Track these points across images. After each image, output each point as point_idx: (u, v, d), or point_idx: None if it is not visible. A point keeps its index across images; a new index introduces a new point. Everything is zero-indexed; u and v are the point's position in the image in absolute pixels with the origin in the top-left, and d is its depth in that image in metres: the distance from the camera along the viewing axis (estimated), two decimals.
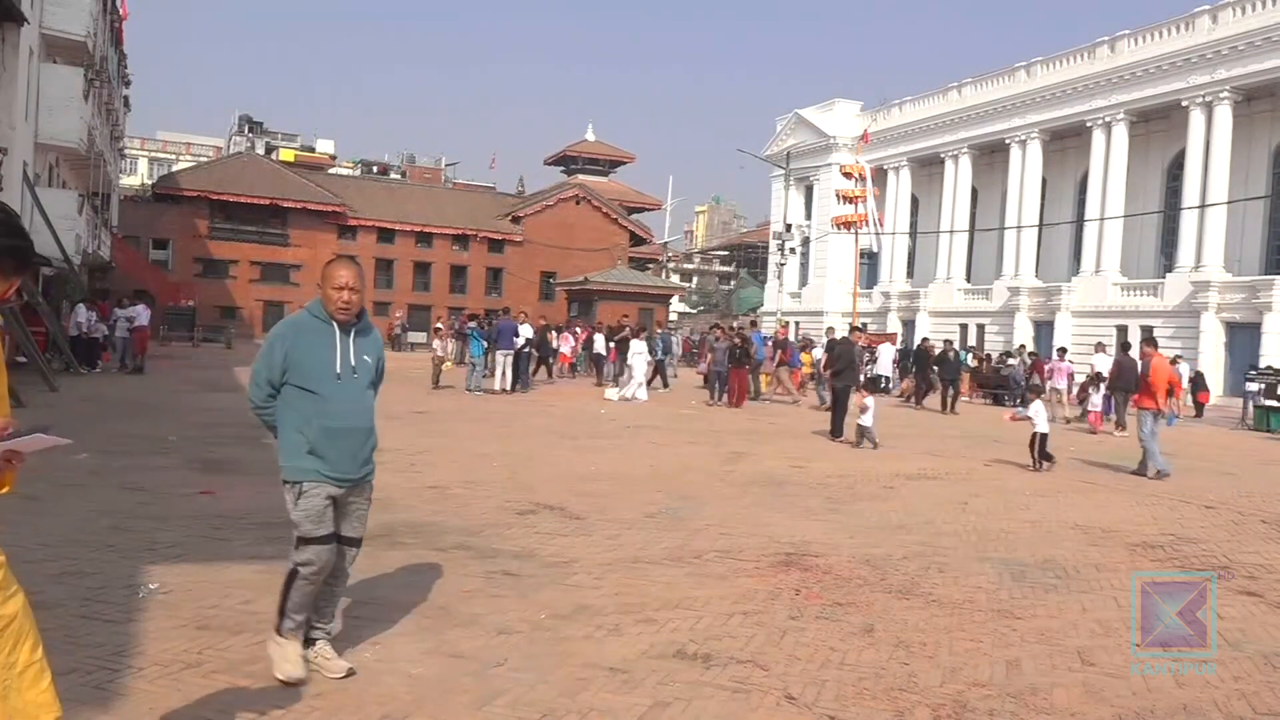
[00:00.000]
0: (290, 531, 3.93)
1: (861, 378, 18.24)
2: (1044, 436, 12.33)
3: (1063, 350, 24.07)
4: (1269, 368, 25.98)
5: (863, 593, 5.69)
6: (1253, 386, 23.64)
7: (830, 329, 28.23)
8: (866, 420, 13.62)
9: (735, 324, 33.65)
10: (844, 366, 15.53)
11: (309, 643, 3.96)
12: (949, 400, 21.97)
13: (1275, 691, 4.36)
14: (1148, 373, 12.75)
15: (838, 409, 15.10)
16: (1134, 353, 21.29)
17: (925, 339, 27.77)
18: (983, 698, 4.09)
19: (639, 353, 20.61)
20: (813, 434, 15.40)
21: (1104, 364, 20.71)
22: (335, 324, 3.87)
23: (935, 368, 23.15)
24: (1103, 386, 20.12)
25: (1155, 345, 13.28)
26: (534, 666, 4.16)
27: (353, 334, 3.92)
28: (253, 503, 7.38)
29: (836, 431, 14.75)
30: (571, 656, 4.30)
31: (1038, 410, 12.48)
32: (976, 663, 4.54)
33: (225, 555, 5.79)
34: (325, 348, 3.84)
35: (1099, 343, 26.49)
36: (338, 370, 3.83)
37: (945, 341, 26.71)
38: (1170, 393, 13.20)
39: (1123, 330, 37.09)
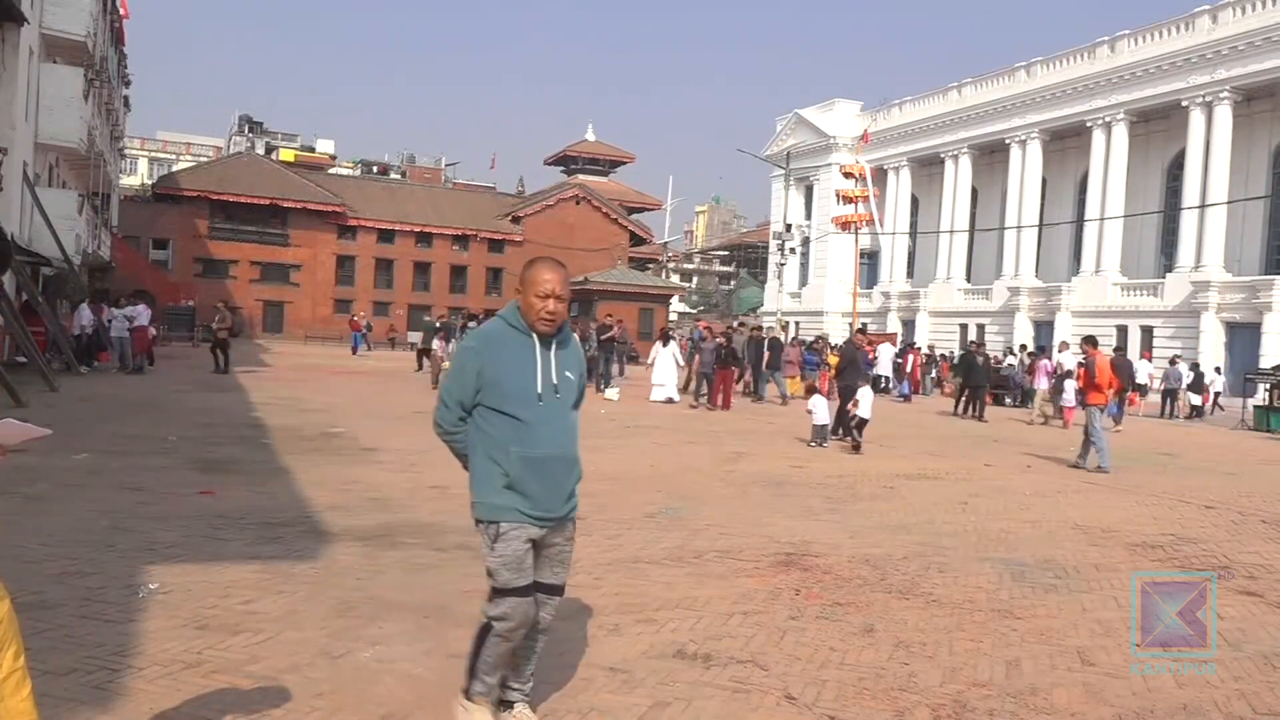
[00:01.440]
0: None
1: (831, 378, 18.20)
2: (863, 421, 13.49)
3: (1042, 349, 23.72)
4: (1278, 368, 26.00)
5: (863, 593, 5.69)
6: (1260, 390, 23.51)
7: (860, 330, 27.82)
8: (820, 419, 13.66)
9: (735, 323, 33.59)
10: (845, 366, 15.56)
11: (504, 705, 3.50)
12: (976, 407, 21.09)
13: (1275, 691, 4.36)
14: (1093, 370, 12.88)
15: (841, 409, 15.08)
16: (1060, 352, 21.55)
17: (975, 343, 25.31)
18: (983, 698, 4.09)
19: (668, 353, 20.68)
20: (796, 437, 15.39)
21: (1070, 362, 21.38)
22: (536, 336, 3.33)
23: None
24: (1071, 384, 20.30)
25: (1095, 344, 13.62)
26: (534, 666, 4.15)
27: (554, 347, 3.36)
28: (252, 503, 7.38)
29: (837, 431, 14.74)
30: (571, 656, 4.30)
31: (864, 395, 13.59)
32: (976, 663, 4.53)
33: (225, 555, 5.78)
34: (525, 363, 3.29)
35: (1063, 341, 26.50)
36: (539, 389, 3.28)
37: (972, 344, 25.15)
38: (1111, 387, 13.65)
39: (1123, 330, 37.11)
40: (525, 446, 3.24)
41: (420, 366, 27.57)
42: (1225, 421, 24.71)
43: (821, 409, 13.74)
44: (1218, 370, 29.92)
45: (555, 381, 3.33)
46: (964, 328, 44.83)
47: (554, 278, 3.34)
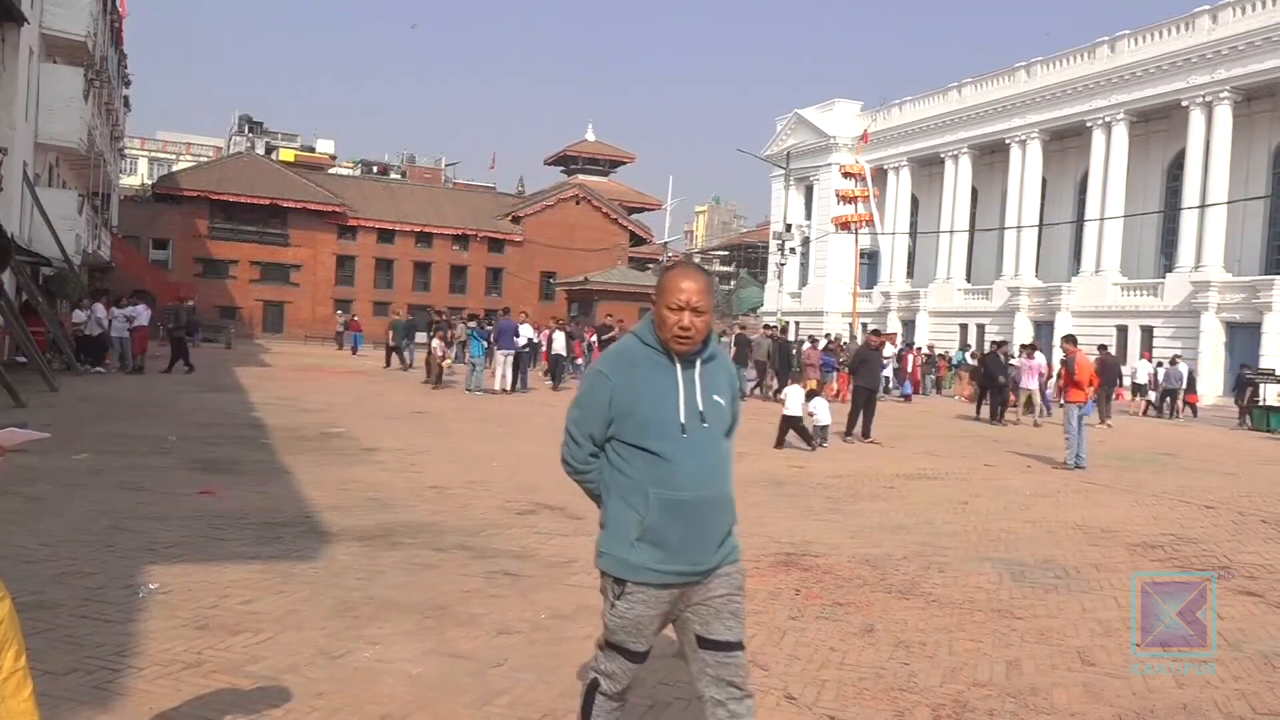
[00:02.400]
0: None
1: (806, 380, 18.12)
2: (792, 419, 13.20)
3: (1032, 348, 22.81)
4: (1271, 370, 26.09)
5: (863, 593, 5.69)
6: (1273, 390, 23.46)
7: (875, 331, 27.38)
8: (822, 419, 13.63)
9: (738, 326, 33.58)
10: (857, 366, 15.59)
11: None
12: (1000, 409, 20.29)
13: (1275, 691, 4.36)
14: (1073, 368, 12.97)
15: (853, 408, 15.08)
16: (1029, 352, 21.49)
17: (1001, 342, 23.83)
18: (983, 698, 4.09)
19: None
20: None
21: (1041, 363, 21.32)
22: (674, 355, 2.82)
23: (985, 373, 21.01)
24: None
25: (1075, 342, 13.72)
26: (534, 666, 4.16)
27: (698, 366, 2.84)
28: (252, 503, 7.38)
29: (849, 429, 14.74)
30: (571, 656, 4.30)
31: (792, 393, 13.46)
32: (976, 663, 4.54)
33: (225, 555, 5.78)
34: (664, 389, 2.79)
35: (1033, 343, 26.38)
36: (682, 418, 2.77)
37: (994, 343, 23.70)
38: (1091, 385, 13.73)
39: (1123, 330, 37.11)
40: (666, 488, 2.72)
41: (388, 364, 27.62)
42: (1225, 421, 24.71)
43: (823, 410, 13.75)
44: (1193, 375, 29.67)
45: (702, 408, 2.80)
46: (964, 328, 44.82)
47: (691, 287, 2.78)
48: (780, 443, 13.13)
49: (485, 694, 3.83)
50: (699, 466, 2.77)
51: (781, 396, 14.70)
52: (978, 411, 21.08)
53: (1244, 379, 25.41)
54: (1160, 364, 27.82)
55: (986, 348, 32.38)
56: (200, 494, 7.61)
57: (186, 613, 4.63)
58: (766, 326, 23.82)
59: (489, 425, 14.17)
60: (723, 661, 2.79)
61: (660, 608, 2.78)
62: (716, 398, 2.86)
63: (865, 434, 14.63)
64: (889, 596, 5.65)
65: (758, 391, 22.76)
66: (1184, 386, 26.48)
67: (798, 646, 4.63)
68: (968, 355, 32.26)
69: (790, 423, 13.17)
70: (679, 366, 2.81)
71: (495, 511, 7.59)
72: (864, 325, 39.14)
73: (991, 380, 20.63)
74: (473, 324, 22.90)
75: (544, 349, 25.82)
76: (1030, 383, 20.75)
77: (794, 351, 23.94)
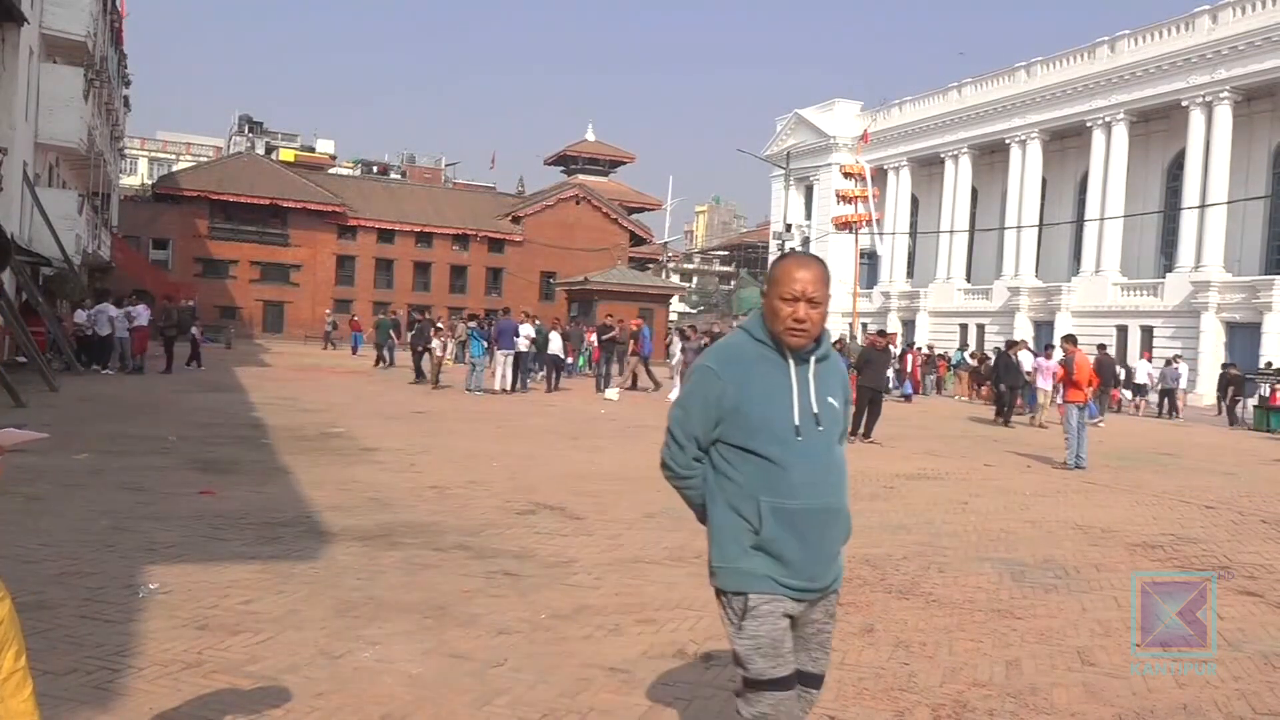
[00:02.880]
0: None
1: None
2: None
3: (1050, 347, 22.06)
4: (1269, 365, 26.10)
5: (863, 593, 5.69)
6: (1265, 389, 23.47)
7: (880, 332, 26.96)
8: None
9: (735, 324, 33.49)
10: (862, 367, 15.58)
11: None
12: (1007, 411, 19.88)
13: (1275, 691, 4.36)
14: (1072, 368, 12.98)
15: (858, 408, 15.03)
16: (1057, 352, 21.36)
17: (1015, 341, 23.04)
18: (983, 698, 4.09)
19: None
20: None
21: (1028, 362, 21.12)
22: (788, 351, 2.62)
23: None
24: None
25: (1075, 342, 13.71)
26: (534, 666, 4.16)
27: (812, 364, 2.65)
28: (252, 503, 7.38)
29: (854, 430, 14.73)
30: (571, 656, 4.30)
31: None
32: (976, 663, 4.54)
33: (225, 555, 5.78)
34: (777, 388, 2.59)
35: (1021, 339, 26.34)
36: (796, 420, 2.56)
37: (1009, 342, 23.27)
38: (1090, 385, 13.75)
39: (1123, 330, 37.11)
40: (780, 495, 2.52)
41: (378, 363, 27.67)
42: (1224, 421, 24.70)
43: None
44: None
45: (816, 409, 2.59)
46: (964, 328, 44.83)
47: (806, 276, 2.59)
48: None
49: (485, 694, 3.83)
50: (813, 473, 2.56)
51: None
52: (997, 413, 20.16)
53: (1226, 377, 25.50)
54: (1165, 362, 27.88)
55: (987, 348, 32.27)
56: (200, 494, 7.61)
57: (186, 613, 4.63)
58: (695, 327, 23.60)
59: (489, 425, 14.17)
60: (800, 695, 2.60)
61: (784, 622, 2.54)
62: (831, 399, 2.65)
63: (866, 434, 14.64)
64: (889, 596, 5.65)
65: None
66: (1179, 386, 26.52)
67: None
68: (967, 355, 32.27)
69: None
70: (792, 364, 2.62)
71: (495, 511, 7.59)
72: (864, 325, 39.19)
73: (1008, 380, 20.07)
74: (473, 324, 22.87)
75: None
76: (1046, 383, 20.19)
77: None
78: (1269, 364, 26.65)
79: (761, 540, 2.52)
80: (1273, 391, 23.48)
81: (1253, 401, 24.16)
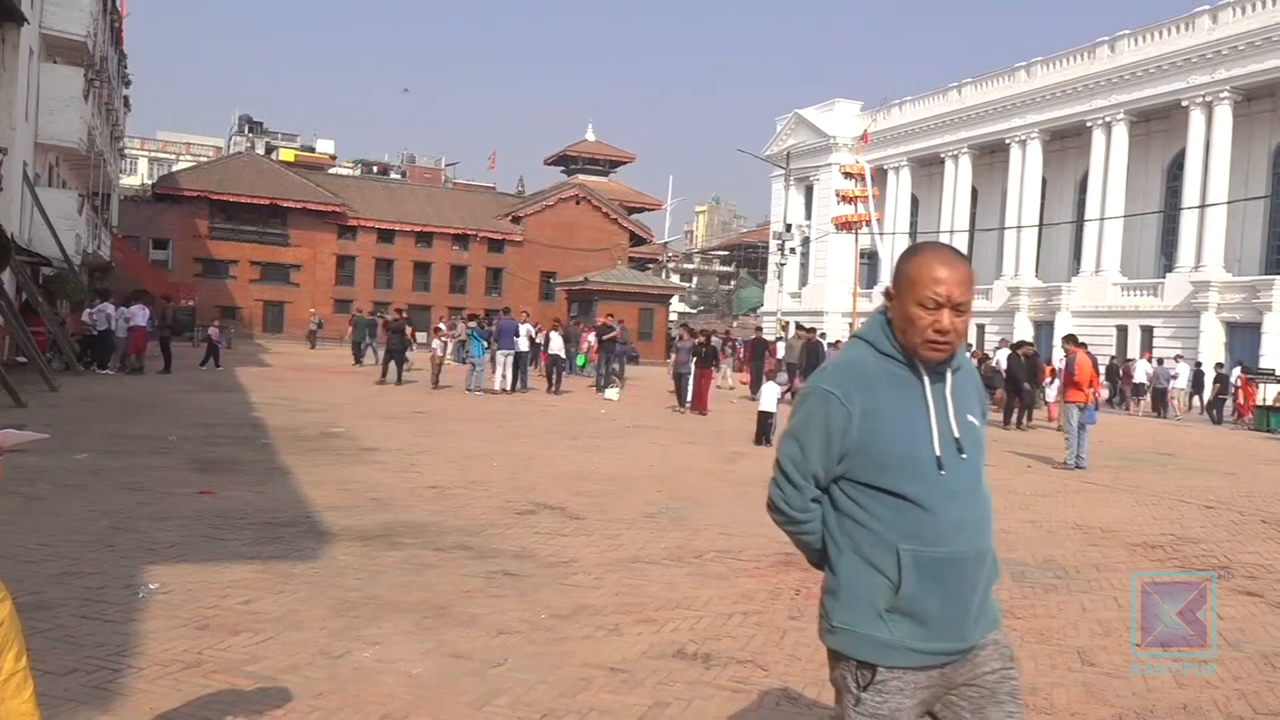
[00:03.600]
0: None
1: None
2: (765, 414, 13.43)
3: (1004, 342, 21.47)
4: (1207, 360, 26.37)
5: None
6: (1274, 390, 23.51)
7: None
8: None
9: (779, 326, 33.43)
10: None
11: None
12: (1019, 414, 19.22)
13: (1275, 691, 4.36)
14: (1073, 368, 13.00)
15: None
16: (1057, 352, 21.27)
17: (1024, 342, 22.20)
18: None
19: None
20: None
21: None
22: (921, 366, 2.19)
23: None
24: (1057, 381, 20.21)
25: (1075, 341, 13.69)
26: (534, 666, 4.16)
27: (949, 378, 2.23)
28: (252, 503, 7.38)
29: None
30: (571, 656, 4.30)
31: (767, 390, 13.72)
32: None
33: (224, 555, 5.79)
34: (912, 413, 2.17)
35: (1003, 339, 26.29)
36: (937, 450, 2.16)
37: (1021, 343, 22.62)
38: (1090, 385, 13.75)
39: (1123, 330, 37.12)
40: (924, 543, 2.12)
41: (357, 361, 27.69)
42: (1222, 421, 24.73)
43: None
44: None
45: (958, 434, 2.19)
46: None
47: (951, 276, 2.14)
48: (759, 438, 13.32)
49: (485, 694, 3.83)
50: (961, 512, 2.16)
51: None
52: (1006, 420, 19.04)
53: (1216, 377, 25.62)
54: (1158, 361, 27.95)
55: (987, 347, 32.27)
56: (200, 494, 7.61)
57: (186, 613, 4.63)
58: (801, 327, 22.61)
59: (489, 425, 14.17)
60: None
61: (919, 695, 2.16)
62: (971, 418, 2.25)
63: None
64: None
65: (788, 396, 22.33)
66: (1170, 385, 26.56)
67: (798, 646, 4.63)
68: (969, 355, 32.22)
69: (762, 417, 13.56)
70: (927, 380, 2.19)
71: (495, 511, 7.59)
72: (850, 325, 39.11)
73: (1015, 383, 19.26)
74: (473, 324, 22.84)
75: (542, 349, 25.66)
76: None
77: (822, 354, 23.62)
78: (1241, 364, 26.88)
79: (901, 599, 2.11)
80: (1238, 390, 23.73)
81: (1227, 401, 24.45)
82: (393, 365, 21.16)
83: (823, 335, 31.64)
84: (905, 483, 2.12)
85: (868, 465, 2.15)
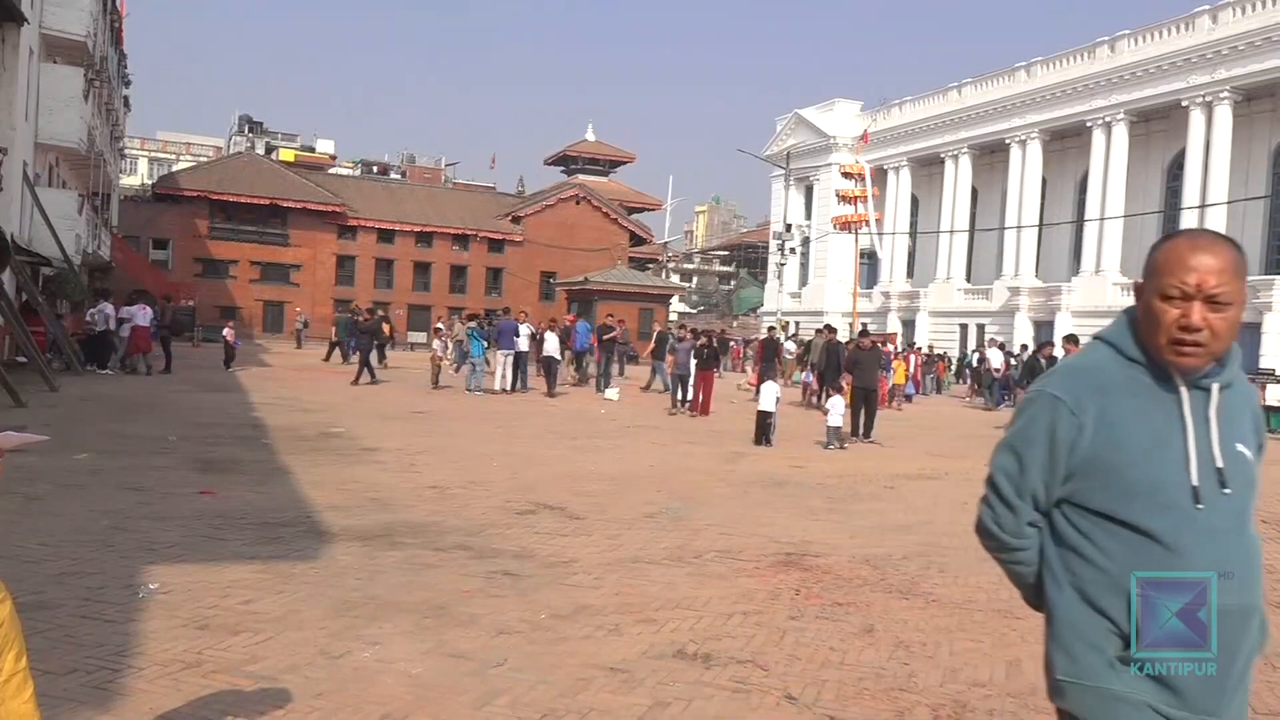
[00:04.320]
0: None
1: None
2: (764, 414, 13.38)
3: (993, 341, 21.29)
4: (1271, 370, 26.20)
5: (863, 593, 5.69)
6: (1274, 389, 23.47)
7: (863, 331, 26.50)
8: (833, 420, 13.62)
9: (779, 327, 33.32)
10: (849, 368, 15.58)
11: None
12: None
13: (1275, 691, 4.36)
14: None
15: (853, 409, 15.02)
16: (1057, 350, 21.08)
17: (1047, 344, 21.71)
18: (983, 698, 4.09)
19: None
20: (814, 439, 15.39)
21: (997, 359, 20.88)
22: (1177, 375, 1.83)
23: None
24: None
25: (1075, 342, 13.64)
26: (534, 666, 4.16)
27: (1214, 394, 1.84)
28: (252, 503, 7.38)
29: (852, 430, 14.71)
30: (571, 656, 4.30)
31: (767, 390, 13.62)
32: (976, 663, 4.53)
33: (224, 555, 5.79)
34: (1162, 430, 1.81)
35: (990, 338, 26.16)
36: (1194, 479, 1.78)
37: (1042, 344, 21.66)
38: None
39: None
40: None
41: (328, 358, 27.66)
42: None
43: (836, 411, 13.71)
44: None
45: (1220, 463, 1.79)
46: (964, 328, 44.85)
47: (1208, 263, 1.80)
48: (759, 438, 13.29)
49: (485, 694, 3.83)
50: (1218, 555, 1.79)
51: (826, 407, 14.65)
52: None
53: None
54: None
55: (987, 347, 32.26)
56: (200, 494, 7.61)
57: (186, 613, 4.63)
58: (826, 327, 22.06)
59: (489, 425, 14.17)
60: None
61: None
62: (1240, 447, 1.84)
63: (866, 434, 14.64)
64: (889, 596, 5.65)
65: (812, 399, 22.12)
66: None
67: (798, 646, 4.63)
68: (974, 358, 32.16)
69: (761, 416, 13.48)
70: (1185, 393, 1.82)
71: (495, 511, 7.59)
72: (864, 325, 39.15)
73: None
74: (472, 324, 22.83)
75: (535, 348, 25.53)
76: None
77: (841, 355, 23.38)
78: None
79: (1137, 653, 1.81)
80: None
81: None
82: (367, 368, 21.27)
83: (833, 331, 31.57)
84: (1147, 514, 1.77)
85: (1101, 489, 1.81)
